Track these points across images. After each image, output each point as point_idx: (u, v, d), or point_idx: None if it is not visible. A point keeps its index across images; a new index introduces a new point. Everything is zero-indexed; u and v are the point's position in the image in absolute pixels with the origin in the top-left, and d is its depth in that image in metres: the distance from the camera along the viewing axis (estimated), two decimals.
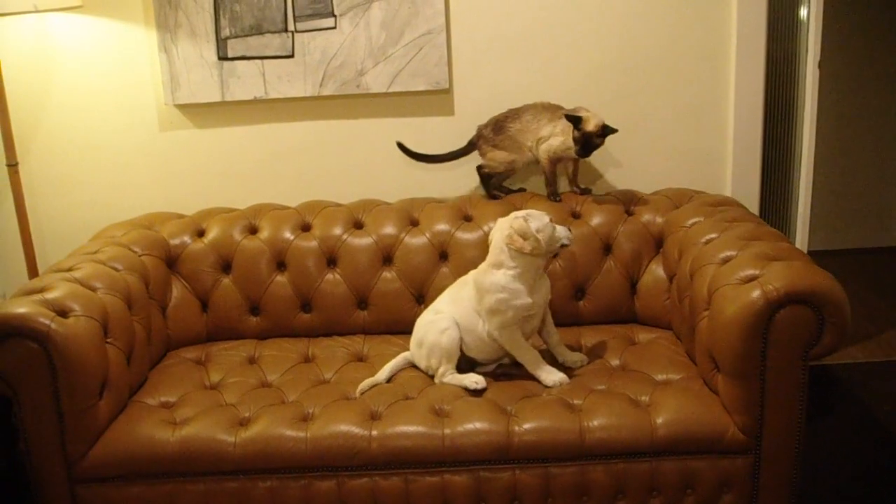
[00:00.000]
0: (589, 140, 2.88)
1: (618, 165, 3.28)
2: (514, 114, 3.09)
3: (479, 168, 3.16)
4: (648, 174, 3.25)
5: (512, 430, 2.31)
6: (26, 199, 3.16)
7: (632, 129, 3.22)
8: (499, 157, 3.10)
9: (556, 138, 2.98)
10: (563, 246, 2.58)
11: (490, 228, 2.72)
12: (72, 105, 3.23)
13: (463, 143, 3.19)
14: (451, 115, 3.25)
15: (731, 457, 2.30)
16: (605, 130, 2.88)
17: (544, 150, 3.01)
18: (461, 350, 2.60)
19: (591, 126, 2.87)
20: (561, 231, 2.57)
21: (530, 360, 2.55)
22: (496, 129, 3.11)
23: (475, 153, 3.18)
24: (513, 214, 2.56)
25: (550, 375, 2.53)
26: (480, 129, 3.15)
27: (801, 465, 2.31)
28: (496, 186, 3.16)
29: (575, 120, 2.88)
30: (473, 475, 2.32)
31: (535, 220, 2.51)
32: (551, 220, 2.55)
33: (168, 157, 3.29)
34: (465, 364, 2.62)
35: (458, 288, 2.69)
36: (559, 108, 3.03)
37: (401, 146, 3.20)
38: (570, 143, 2.92)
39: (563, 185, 3.20)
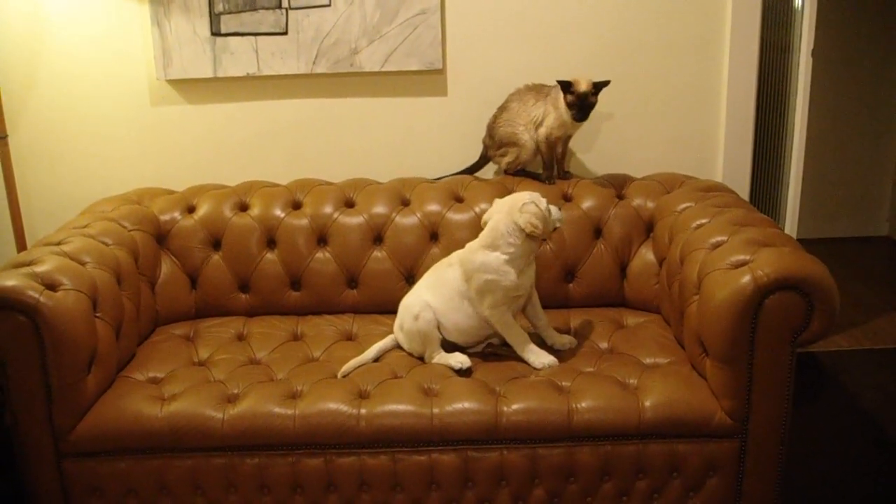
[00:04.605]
0: (584, 100, 2.87)
1: (610, 149, 3.28)
2: (499, 111, 3.09)
3: (506, 172, 3.16)
4: (640, 158, 3.26)
5: (500, 411, 2.31)
6: (15, 172, 3.15)
7: (625, 113, 3.23)
8: (508, 157, 3.10)
9: (549, 117, 2.97)
10: (555, 229, 2.58)
11: (482, 210, 2.71)
12: (62, 78, 3.20)
13: (456, 123, 3.20)
14: (445, 96, 3.24)
15: (718, 441, 2.31)
16: (598, 87, 2.88)
17: (543, 135, 3.00)
18: (442, 334, 2.59)
19: (583, 86, 2.86)
20: (554, 213, 2.56)
21: (520, 341, 2.55)
22: (491, 134, 3.12)
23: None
24: (514, 199, 2.52)
25: (539, 358, 2.53)
26: (483, 140, 3.16)
27: (786, 450, 2.33)
28: (539, 174, 3.11)
29: (566, 84, 2.87)
30: (461, 455, 2.33)
31: (541, 202, 2.50)
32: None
33: (159, 132, 3.27)
34: (449, 347, 2.62)
35: (442, 269, 2.65)
36: (543, 86, 3.03)
37: None
38: (564, 115, 2.91)
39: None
